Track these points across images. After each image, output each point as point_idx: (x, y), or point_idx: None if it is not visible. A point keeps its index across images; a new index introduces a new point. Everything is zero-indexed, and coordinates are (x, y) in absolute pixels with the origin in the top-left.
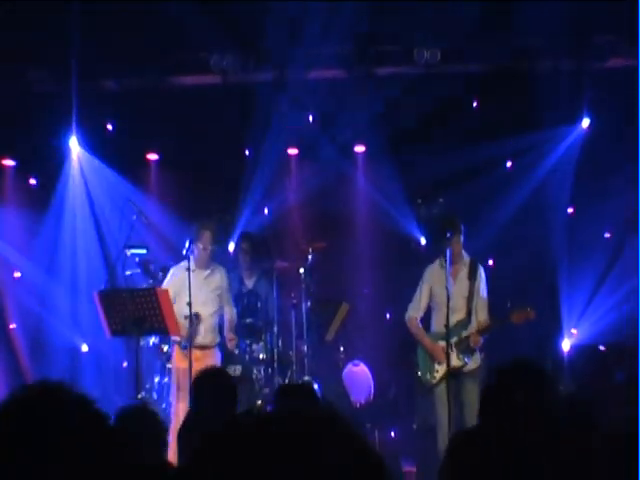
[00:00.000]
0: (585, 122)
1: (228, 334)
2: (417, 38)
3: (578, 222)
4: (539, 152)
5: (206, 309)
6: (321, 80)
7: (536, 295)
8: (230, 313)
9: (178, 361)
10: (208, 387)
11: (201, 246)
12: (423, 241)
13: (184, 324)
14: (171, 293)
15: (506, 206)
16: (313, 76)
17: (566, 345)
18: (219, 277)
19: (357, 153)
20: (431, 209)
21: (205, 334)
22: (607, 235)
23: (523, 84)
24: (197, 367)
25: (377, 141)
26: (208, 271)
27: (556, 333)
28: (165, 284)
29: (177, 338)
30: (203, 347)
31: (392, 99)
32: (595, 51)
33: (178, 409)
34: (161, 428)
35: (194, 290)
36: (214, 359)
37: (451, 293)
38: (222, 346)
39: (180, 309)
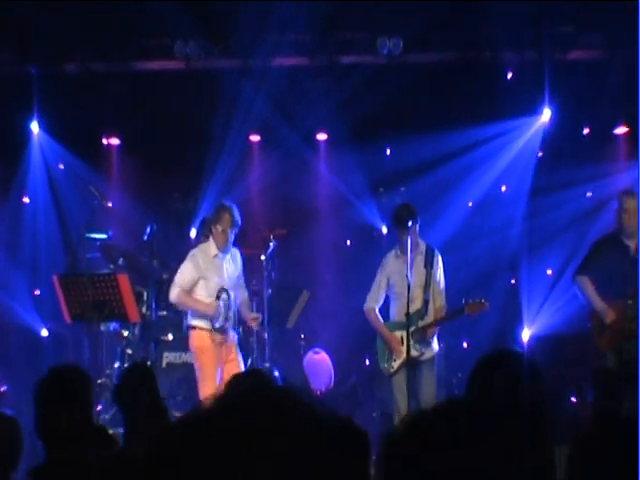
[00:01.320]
0: (546, 113)
1: (250, 314)
2: (380, 27)
3: (538, 213)
4: (500, 142)
5: (233, 293)
6: (284, 67)
7: (496, 285)
8: (245, 295)
9: (208, 344)
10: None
11: (220, 228)
12: (385, 230)
13: (216, 305)
14: (194, 276)
15: (468, 195)
16: (276, 63)
17: (525, 336)
18: (239, 260)
19: (319, 141)
20: (393, 198)
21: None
22: (567, 226)
23: (485, 75)
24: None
25: (339, 129)
26: (229, 255)
27: (516, 323)
28: (185, 268)
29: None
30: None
31: (355, 88)
32: (557, 42)
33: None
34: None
35: (222, 275)
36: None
37: (411, 282)
38: None
39: (209, 292)
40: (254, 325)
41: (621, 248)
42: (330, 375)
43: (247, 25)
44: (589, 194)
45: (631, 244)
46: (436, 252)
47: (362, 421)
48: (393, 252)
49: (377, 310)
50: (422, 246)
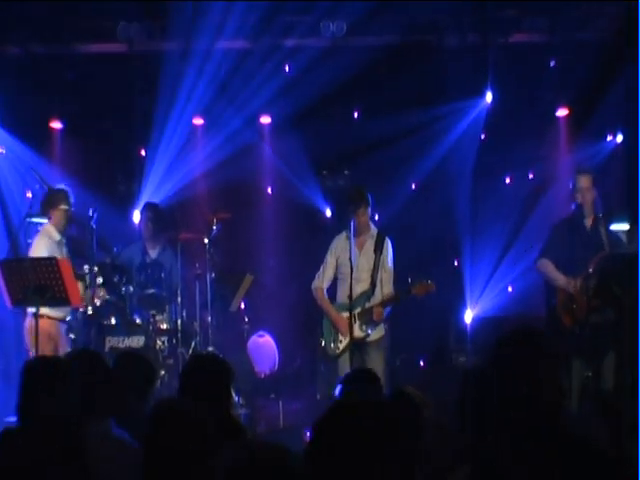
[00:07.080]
0: (488, 96)
1: None
2: (323, 10)
3: (480, 196)
4: (443, 125)
5: None
6: (227, 50)
7: (440, 267)
8: None
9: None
10: None
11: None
12: (328, 213)
13: None
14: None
15: (411, 178)
16: (220, 46)
17: (468, 317)
18: None
19: (263, 124)
20: (336, 181)
21: None
22: (509, 207)
23: (429, 57)
24: None
25: (283, 112)
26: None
27: (459, 305)
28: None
29: None
30: None
31: (298, 71)
32: (499, 26)
33: None
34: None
35: None
36: None
37: (355, 264)
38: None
39: None
40: None
41: (578, 228)
42: (274, 358)
43: (191, 7)
44: (531, 176)
45: (587, 222)
46: (386, 238)
47: (306, 404)
48: (344, 233)
49: (325, 290)
50: (373, 230)
